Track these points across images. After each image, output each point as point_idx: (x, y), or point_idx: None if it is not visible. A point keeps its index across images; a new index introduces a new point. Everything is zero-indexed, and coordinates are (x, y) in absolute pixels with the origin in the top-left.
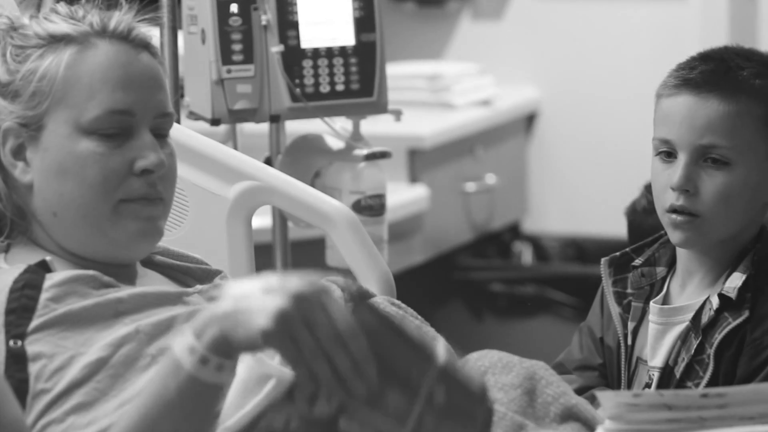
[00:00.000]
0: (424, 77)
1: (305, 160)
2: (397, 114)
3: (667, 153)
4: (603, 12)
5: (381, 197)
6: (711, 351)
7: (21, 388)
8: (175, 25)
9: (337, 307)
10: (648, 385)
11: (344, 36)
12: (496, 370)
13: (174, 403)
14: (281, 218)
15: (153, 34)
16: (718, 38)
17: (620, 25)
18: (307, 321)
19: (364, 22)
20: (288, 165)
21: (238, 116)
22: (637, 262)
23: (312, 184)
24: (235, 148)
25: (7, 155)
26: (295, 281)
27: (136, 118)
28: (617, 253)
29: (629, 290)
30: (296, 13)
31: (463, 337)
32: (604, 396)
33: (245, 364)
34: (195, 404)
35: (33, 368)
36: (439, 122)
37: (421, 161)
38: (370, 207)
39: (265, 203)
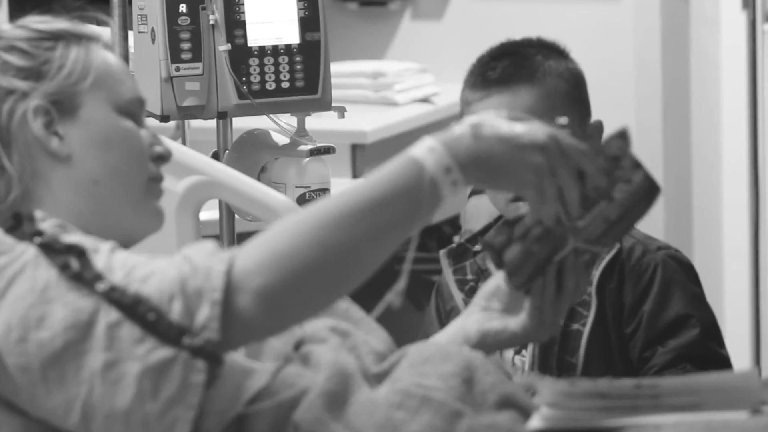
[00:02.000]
0: (367, 75)
1: (252, 155)
2: (341, 111)
3: None
4: (539, 12)
5: (325, 191)
6: (592, 289)
7: None
8: (125, 25)
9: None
10: (518, 352)
11: (289, 35)
12: (436, 359)
13: (400, 205)
14: (228, 211)
15: (104, 32)
16: (651, 39)
17: (556, 25)
18: (561, 156)
19: (309, 21)
20: (235, 160)
21: (187, 113)
22: (477, 248)
23: (258, 179)
24: (184, 143)
25: (40, 129)
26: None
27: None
28: (453, 245)
29: (469, 276)
30: (243, 12)
31: (405, 327)
32: (543, 384)
33: None
34: (417, 212)
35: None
36: (382, 119)
37: (363, 156)
38: (315, 201)
39: (212, 197)
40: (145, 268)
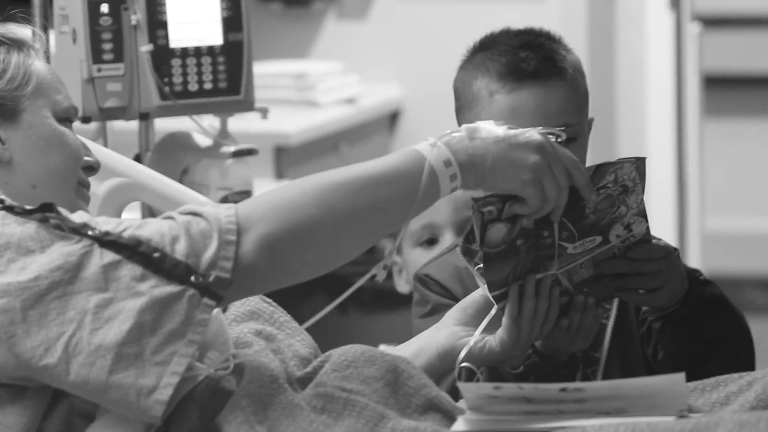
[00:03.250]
0: (290, 76)
1: (174, 157)
2: (264, 112)
3: None
4: (465, 12)
5: (248, 193)
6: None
7: None
8: (46, 25)
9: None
10: None
11: (212, 35)
12: (359, 363)
13: (401, 185)
14: (150, 214)
15: (25, 33)
16: (576, 38)
17: (482, 25)
18: (554, 166)
19: (232, 21)
20: (157, 162)
21: (109, 114)
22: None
23: (180, 181)
24: (105, 145)
25: None
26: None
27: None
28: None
29: None
30: (165, 13)
31: (328, 330)
32: (466, 387)
33: None
34: (414, 197)
35: None
36: (305, 120)
37: (287, 158)
38: (237, 203)
39: (134, 199)
40: (136, 222)
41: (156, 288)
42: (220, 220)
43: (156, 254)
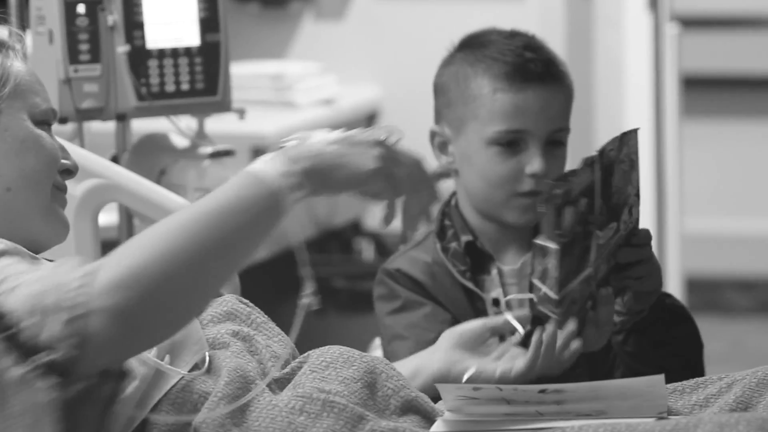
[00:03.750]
0: (268, 76)
1: (151, 158)
2: (241, 112)
3: (510, 142)
4: (443, 12)
5: None
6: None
7: None
8: (23, 25)
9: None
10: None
11: (189, 36)
12: (338, 364)
13: (243, 215)
14: (127, 215)
15: (2, 33)
16: (554, 39)
17: (460, 26)
18: (396, 159)
19: (209, 22)
20: (134, 163)
21: (85, 115)
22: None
23: (158, 182)
24: (82, 146)
25: None
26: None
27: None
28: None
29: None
30: (142, 13)
31: (306, 331)
32: (445, 389)
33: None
34: (262, 221)
35: None
36: (282, 121)
37: None
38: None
39: (111, 200)
40: (16, 279)
41: (8, 369)
42: (65, 295)
43: (11, 330)
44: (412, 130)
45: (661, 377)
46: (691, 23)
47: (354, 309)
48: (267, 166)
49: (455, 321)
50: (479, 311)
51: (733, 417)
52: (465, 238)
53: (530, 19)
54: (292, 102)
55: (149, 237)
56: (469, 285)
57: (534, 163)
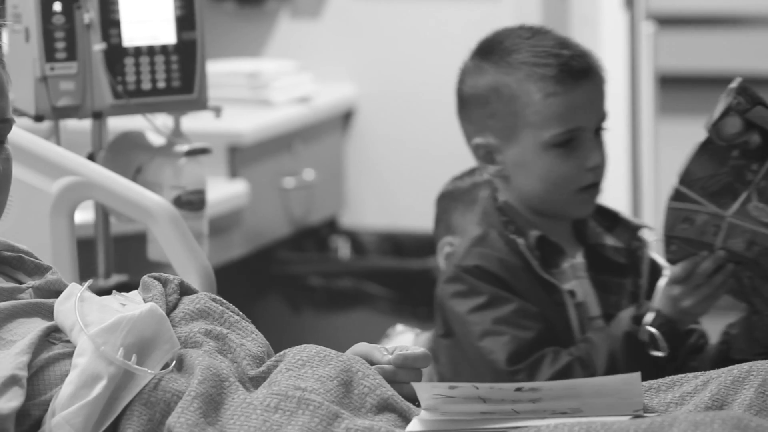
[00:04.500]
0: (244, 75)
1: (127, 156)
2: (217, 111)
3: (566, 142)
4: (419, 11)
5: (201, 192)
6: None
7: None
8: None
9: None
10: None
11: (165, 34)
12: (314, 363)
13: None
14: (103, 213)
15: None
16: None
17: (436, 25)
18: None
19: (185, 20)
20: (110, 161)
21: (62, 113)
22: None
23: (134, 180)
24: (59, 144)
25: None
26: None
27: None
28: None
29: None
30: (118, 11)
31: (282, 330)
32: (420, 387)
33: (88, 356)
34: None
35: None
36: (259, 119)
37: (240, 157)
38: (191, 202)
39: (87, 198)
40: None
41: None
42: None
43: None
44: (388, 129)
45: (638, 375)
46: (666, 22)
47: (330, 307)
48: None
49: (542, 316)
50: (558, 304)
51: (708, 415)
52: (534, 232)
53: (506, 18)
54: (268, 100)
55: None
56: (549, 278)
57: (594, 157)
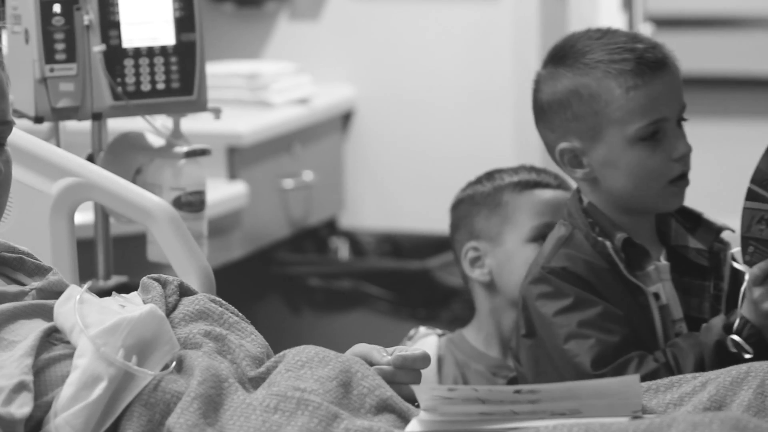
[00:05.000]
0: (243, 76)
1: (127, 157)
2: (217, 112)
3: (652, 134)
4: (418, 13)
5: (201, 194)
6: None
7: None
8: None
9: None
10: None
11: (165, 36)
12: (313, 363)
13: None
14: (103, 214)
15: None
16: (529, 39)
17: (434, 26)
18: None
19: (184, 22)
20: (110, 162)
21: (61, 114)
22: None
23: (133, 181)
24: (58, 145)
25: None
26: None
27: None
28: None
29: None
30: (118, 13)
31: (281, 331)
32: (420, 389)
33: (88, 357)
34: None
35: None
36: (258, 120)
37: (240, 158)
38: (190, 203)
39: (87, 199)
40: None
41: None
42: None
43: None
44: (387, 130)
45: (636, 377)
46: (664, 23)
47: (329, 308)
48: None
49: (627, 319)
50: (642, 306)
51: (707, 416)
52: (620, 235)
53: (505, 19)
54: (268, 101)
55: None
56: (635, 280)
57: (680, 146)
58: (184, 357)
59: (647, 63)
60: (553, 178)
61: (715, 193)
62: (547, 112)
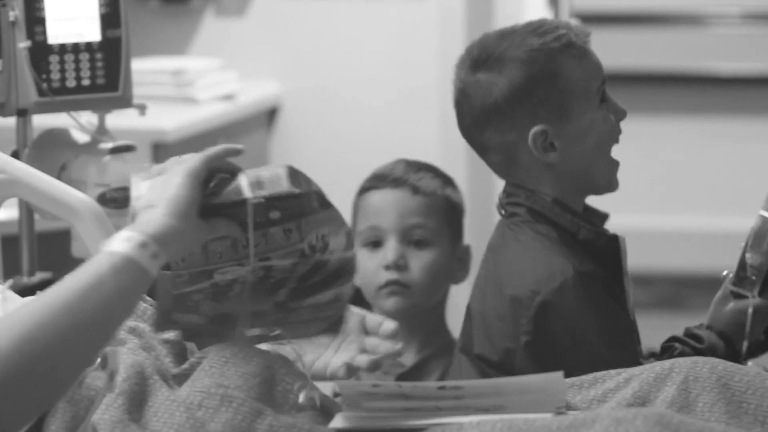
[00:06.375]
0: (169, 72)
1: (52, 153)
2: (142, 108)
3: (604, 94)
4: (343, 9)
5: (125, 190)
6: None
7: None
8: None
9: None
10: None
11: (90, 32)
12: (237, 360)
13: (106, 287)
14: (28, 210)
15: None
16: (454, 36)
17: (360, 23)
18: None
19: (110, 18)
20: (35, 158)
21: None
22: None
23: (58, 177)
24: None
25: None
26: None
27: None
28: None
29: None
30: (43, 9)
31: None
32: (344, 385)
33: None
34: (127, 290)
35: None
36: (183, 116)
37: (165, 154)
38: (115, 199)
39: (11, 196)
40: None
41: None
42: None
43: None
44: (313, 126)
45: (560, 374)
46: (590, 19)
47: None
48: (125, 240)
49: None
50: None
51: (630, 412)
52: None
53: (430, 16)
54: (193, 98)
55: (15, 324)
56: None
57: (620, 107)
58: (109, 354)
59: (577, 32)
60: (428, 175)
61: (648, 188)
62: (505, 111)
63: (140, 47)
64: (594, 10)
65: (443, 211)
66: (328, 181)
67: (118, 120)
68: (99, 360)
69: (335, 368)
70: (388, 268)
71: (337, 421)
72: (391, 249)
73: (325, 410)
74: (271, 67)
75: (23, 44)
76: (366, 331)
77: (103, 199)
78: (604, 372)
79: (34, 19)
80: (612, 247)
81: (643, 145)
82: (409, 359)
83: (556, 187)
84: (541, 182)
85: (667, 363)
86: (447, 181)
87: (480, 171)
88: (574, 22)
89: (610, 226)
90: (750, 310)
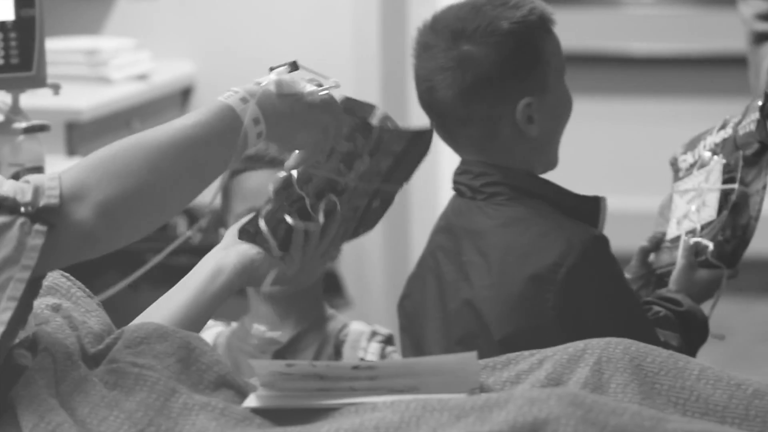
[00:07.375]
0: (82, 52)
1: None
2: (56, 88)
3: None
4: None
5: (39, 170)
6: None
7: None
8: None
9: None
10: None
11: (4, 11)
12: (152, 339)
13: (217, 141)
14: None
15: None
16: (369, 18)
17: (275, 2)
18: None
19: None
20: None
21: None
22: None
23: None
24: None
25: None
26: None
27: None
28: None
29: None
30: None
31: (120, 306)
32: (258, 364)
33: None
34: (229, 146)
35: None
36: (97, 96)
37: (78, 134)
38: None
39: None
40: None
41: None
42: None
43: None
44: None
45: (474, 354)
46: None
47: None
48: (243, 107)
49: None
50: None
51: (544, 392)
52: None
53: None
54: (107, 77)
55: (131, 149)
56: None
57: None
58: (35, 332)
59: (542, 6)
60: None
61: (599, 170)
62: (495, 82)
63: (54, 27)
64: None
65: None
66: None
67: (32, 99)
68: (22, 338)
69: None
70: None
71: (251, 401)
72: None
73: (239, 390)
74: (184, 47)
75: None
76: None
77: (16, 179)
78: (517, 353)
79: None
80: (593, 212)
81: (593, 124)
82: (285, 336)
83: (526, 163)
84: (514, 157)
85: (580, 344)
86: None
87: None
88: None
89: None
90: (724, 281)
